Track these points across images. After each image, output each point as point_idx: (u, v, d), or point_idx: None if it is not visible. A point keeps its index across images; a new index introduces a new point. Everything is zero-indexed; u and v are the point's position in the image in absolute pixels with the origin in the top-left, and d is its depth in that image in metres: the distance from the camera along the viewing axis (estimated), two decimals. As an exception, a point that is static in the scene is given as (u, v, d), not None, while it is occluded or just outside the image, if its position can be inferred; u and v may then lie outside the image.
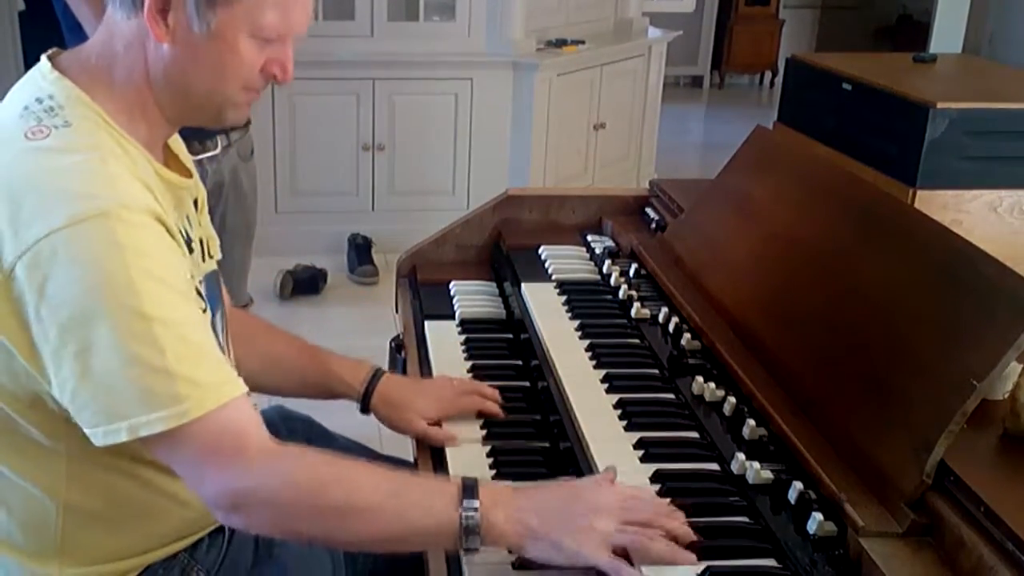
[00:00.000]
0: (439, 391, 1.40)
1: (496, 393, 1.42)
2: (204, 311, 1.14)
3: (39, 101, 1.07)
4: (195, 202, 1.27)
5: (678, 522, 1.07)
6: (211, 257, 1.28)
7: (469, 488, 1.06)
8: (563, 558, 1.04)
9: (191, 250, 1.17)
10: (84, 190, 1.00)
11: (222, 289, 1.32)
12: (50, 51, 1.13)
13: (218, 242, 1.34)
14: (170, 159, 1.22)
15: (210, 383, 1.02)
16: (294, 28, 1.11)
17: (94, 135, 1.06)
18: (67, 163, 1.02)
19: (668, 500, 1.12)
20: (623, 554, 1.04)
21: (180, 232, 1.13)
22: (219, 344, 1.24)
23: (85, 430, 1.01)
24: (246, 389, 1.07)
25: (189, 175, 1.23)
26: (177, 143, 1.27)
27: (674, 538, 1.05)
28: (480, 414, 1.40)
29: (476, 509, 1.04)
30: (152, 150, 1.13)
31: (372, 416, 1.42)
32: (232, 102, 1.13)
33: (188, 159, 1.28)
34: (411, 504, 1.06)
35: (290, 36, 1.12)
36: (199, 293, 1.14)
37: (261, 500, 1.04)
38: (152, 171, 1.11)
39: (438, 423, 1.37)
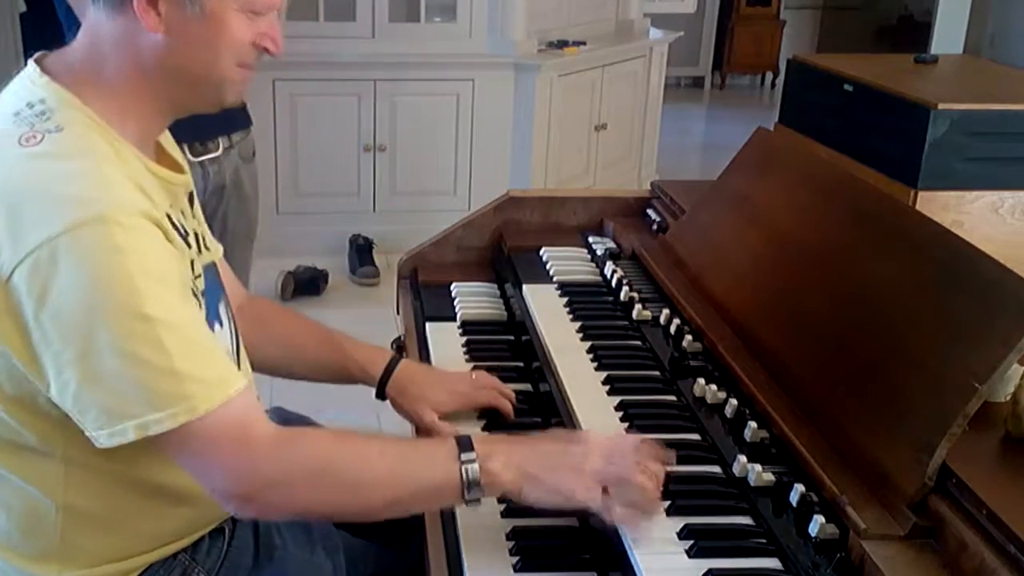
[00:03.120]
0: (455, 385, 1.41)
1: (511, 392, 1.43)
2: (200, 308, 1.15)
3: (30, 106, 1.08)
4: (189, 196, 1.27)
5: (658, 465, 1.13)
6: (207, 249, 1.28)
7: (464, 442, 1.11)
8: (560, 500, 1.10)
9: (189, 245, 1.18)
10: (81, 195, 1.00)
11: (222, 277, 1.32)
12: (36, 54, 1.14)
13: (210, 234, 1.34)
14: (162, 156, 1.22)
15: (215, 379, 1.03)
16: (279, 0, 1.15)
17: (86, 138, 1.06)
18: (62, 169, 1.02)
19: (668, 502, 1.12)
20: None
21: (178, 227, 1.14)
22: (228, 329, 1.26)
23: (89, 433, 1.01)
24: (247, 380, 1.09)
25: (181, 171, 1.23)
26: (167, 139, 1.27)
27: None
28: (490, 410, 1.40)
29: (474, 460, 1.09)
30: (143, 147, 1.14)
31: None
32: (228, 80, 1.15)
33: (179, 154, 1.29)
34: (415, 464, 1.12)
35: (275, 9, 1.15)
36: (195, 293, 1.14)
37: (271, 485, 1.06)
38: (145, 170, 1.11)
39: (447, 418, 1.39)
